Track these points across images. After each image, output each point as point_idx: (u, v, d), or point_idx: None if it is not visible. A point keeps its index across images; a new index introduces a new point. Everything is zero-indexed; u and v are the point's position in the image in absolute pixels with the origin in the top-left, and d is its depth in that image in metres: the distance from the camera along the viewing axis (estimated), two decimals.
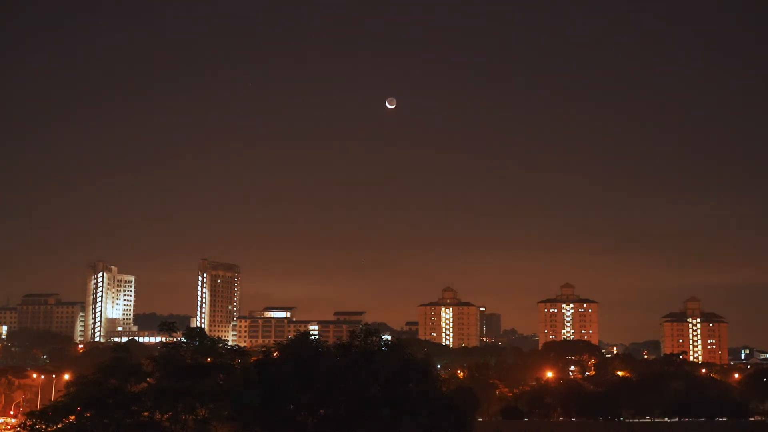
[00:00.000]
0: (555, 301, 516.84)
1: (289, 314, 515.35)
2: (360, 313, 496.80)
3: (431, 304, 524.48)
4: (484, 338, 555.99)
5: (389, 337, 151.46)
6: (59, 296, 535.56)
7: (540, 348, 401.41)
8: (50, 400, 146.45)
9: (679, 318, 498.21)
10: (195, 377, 75.05)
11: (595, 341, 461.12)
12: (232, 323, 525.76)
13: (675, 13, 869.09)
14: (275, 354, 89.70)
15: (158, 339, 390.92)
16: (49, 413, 73.33)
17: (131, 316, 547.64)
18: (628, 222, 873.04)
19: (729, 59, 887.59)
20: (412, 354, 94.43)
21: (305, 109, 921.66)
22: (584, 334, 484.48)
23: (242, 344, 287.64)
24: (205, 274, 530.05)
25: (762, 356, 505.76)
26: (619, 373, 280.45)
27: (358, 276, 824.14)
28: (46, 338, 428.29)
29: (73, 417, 73.10)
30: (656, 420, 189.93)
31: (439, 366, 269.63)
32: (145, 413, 74.19)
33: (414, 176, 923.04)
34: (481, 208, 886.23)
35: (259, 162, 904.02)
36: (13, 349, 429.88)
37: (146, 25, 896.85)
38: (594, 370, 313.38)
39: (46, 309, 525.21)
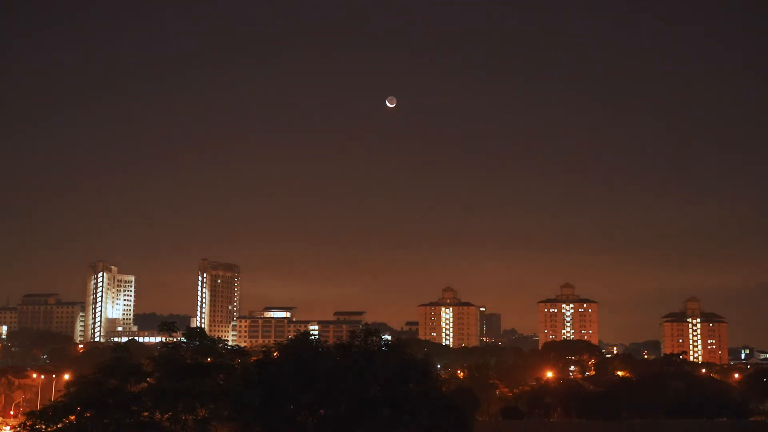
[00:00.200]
0: (555, 301, 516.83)
1: (289, 314, 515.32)
2: (360, 313, 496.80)
3: (431, 304, 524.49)
4: (484, 338, 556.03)
5: (389, 337, 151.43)
6: (59, 296, 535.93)
7: (540, 348, 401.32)
8: (50, 400, 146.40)
9: (679, 318, 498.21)
10: (195, 377, 75.02)
11: (595, 341, 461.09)
12: (232, 323, 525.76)
13: (675, 13, 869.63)
14: (275, 354, 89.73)
15: (158, 339, 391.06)
16: (49, 413, 73.27)
17: (131, 316, 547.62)
18: (628, 222, 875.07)
19: (729, 59, 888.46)
20: (412, 354, 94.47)
21: (305, 109, 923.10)
22: (584, 334, 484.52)
23: (242, 344, 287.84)
24: (205, 274, 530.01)
25: (762, 356, 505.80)
26: (619, 373, 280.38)
27: (358, 276, 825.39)
28: (46, 338, 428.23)
29: (73, 417, 73.06)
30: (656, 420, 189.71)
31: (439, 366, 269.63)
32: (145, 413, 74.16)
33: (414, 176, 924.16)
34: (481, 208, 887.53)
35: (259, 162, 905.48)
36: (13, 349, 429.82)
37: (147, 24, 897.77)
38: (594, 370, 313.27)
39: (46, 309, 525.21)
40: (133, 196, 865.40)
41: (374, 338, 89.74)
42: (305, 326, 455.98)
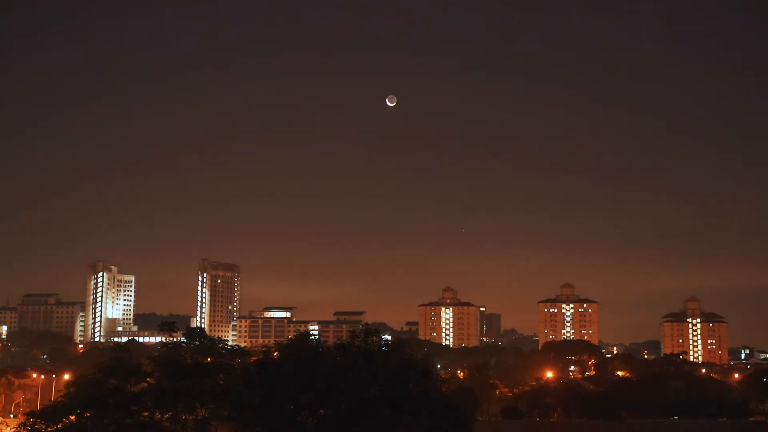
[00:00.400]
0: (555, 301, 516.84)
1: (289, 314, 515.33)
2: (360, 313, 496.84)
3: (431, 304, 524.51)
4: (484, 338, 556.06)
5: (389, 337, 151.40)
6: (59, 296, 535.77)
7: (540, 348, 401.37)
8: (50, 400, 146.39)
9: (679, 318, 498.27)
10: (195, 377, 75.03)
11: (595, 341, 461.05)
12: (232, 323, 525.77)
13: (674, 12, 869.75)
14: (275, 354, 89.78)
15: (158, 339, 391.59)
16: (49, 413, 73.30)
17: (131, 316, 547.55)
18: (628, 222, 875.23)
19: (730, 59, 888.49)
20: (412, 354, 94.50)
21: (305, 109, 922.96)
22: (584, 334, 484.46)
23: (242, 344, 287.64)
24: (205, 274, 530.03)
25: (762, 356, 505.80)
26: (619, 373, 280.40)
27: (358, 276, 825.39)
28: (46, 338, 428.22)
29: (73, 417, 73.07)
30: (656, 420, 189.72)
31: (439, 366, 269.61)
32: (145, 413, 74.17)
33: (414, 176, 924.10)
34: (481, 208, 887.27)
35: (259, 162, 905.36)
36: (13, 349, 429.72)
37: (147, 24, 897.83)
38: (594, 370, 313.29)
39: (46, 309, 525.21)
40: (133, 196, 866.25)
41: (374, 338, 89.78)
42: (305, 326, 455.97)
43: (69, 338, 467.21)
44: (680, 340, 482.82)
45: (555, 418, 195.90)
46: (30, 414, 75.48)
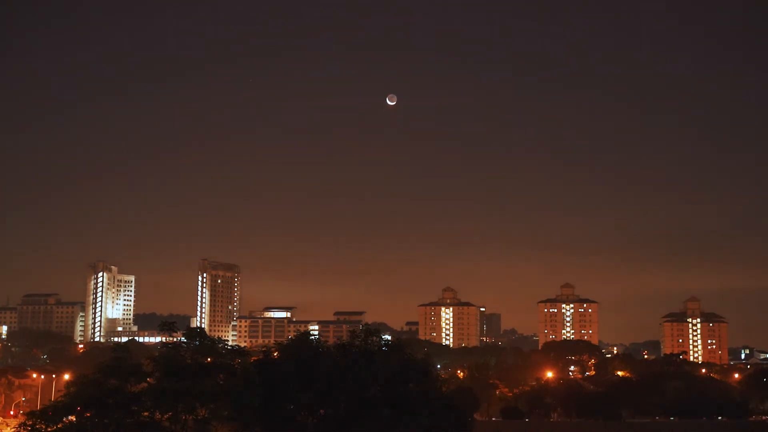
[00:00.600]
0: (555, 301, 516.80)
1: (289, 314, 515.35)
2: (360, 313, 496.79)
3: (431, 304, 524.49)
4: (484, 338, 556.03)
5: (389, 337, 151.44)
6: (59, 296, 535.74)
7: (540, 348, 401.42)
8: (50, 400, 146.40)
9: (679, 318, 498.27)
10: (195, 377, 75.01)
11: (595, 341, 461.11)
12: (232, 323, 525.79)
13: (672, 12, 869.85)
14: (275, 354, 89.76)
15: (158, 339, 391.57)
16: (49, 413, 73.30)
17: (131, 316, 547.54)
18: (628, 222, 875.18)
19: (730, 59, 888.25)
20: (412, 354, 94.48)
21: (305, 107, 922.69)
22: (584, 334, 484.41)
23: (242, 344, 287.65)
24: (205, 274, 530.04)
25: (762, 356, 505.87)
26: (619, 373, 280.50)
27: (358, 276, 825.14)
28: (46, 338, 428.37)
29: (73, 417, 73.09)
30: (656, 420, 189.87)
31: (439, 366, 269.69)
32: (145, 413, 74.16)
33: (414, 175, 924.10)
34: (481, 208, 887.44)
35: (259, 162, 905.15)
36: (13, 349, 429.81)
37: (147, 21, 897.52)
38: (594, 370, 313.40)
39: (46, 309, 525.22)
40: (133, 196, 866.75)
41: (374, 338, 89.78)
42: (305, 326, 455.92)
43: (69, 338, 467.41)
44: (680, 340, 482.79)
45: (555, 418, 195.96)
46: (30, 414, 75.43)
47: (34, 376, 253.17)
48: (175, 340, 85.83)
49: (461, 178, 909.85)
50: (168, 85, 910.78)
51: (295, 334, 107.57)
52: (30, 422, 72.43)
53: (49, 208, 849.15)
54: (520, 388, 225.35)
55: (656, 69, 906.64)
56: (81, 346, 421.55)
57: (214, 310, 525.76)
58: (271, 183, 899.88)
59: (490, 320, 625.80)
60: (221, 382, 76.88)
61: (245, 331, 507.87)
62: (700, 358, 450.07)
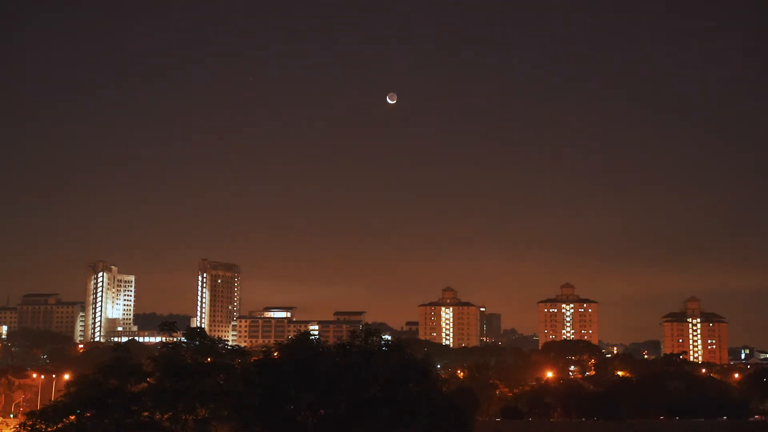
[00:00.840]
0: (555, 301, 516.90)
1: (289, 314, 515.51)
2: (360, 313, 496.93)
3: (431, 304, 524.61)
4: (484, 338, 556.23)
5: (389, 337, 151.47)
6: (59, 296, 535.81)
7: (540, 348, 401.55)
8: (50, 400, 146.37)
9: (679, 318, 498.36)
10: (195, 377, 74.97)
11: (595, 341, 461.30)
12: (232, 323, 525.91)
13: (675, 13, 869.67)
14: (275, 354, 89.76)
15: (158, 339, 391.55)
16: (49, 413, 73.25)
17: (131, 316, 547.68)
18: (628, 222, 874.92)
19: (730, 59, 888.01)
20: (412, 354, 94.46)
21: (305, 108, 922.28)
22: (584, 334, 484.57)
23: (242, 344, 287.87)
24: (205, 274, 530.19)
25: (762, 356, 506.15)
26: (619, 373, 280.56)
27: (358, 276, 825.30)
28: (46, 338, 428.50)
29: (73, 417, 73.01)
30: (656, 420, 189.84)
31: (439, 366, 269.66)
32: (145, 413, 74.13)
33: (414, 175, 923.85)
34: (481, 207, 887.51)
35: (259, 161, 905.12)
36: (13, 349, 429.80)
37: (147, 19, 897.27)
38: (594, 370, 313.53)
39: (46, 309, 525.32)
40: (133, 196, 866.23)
41: (374, 338, 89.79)
42: (305, 326, 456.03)
43: (69, 338, 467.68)
44: (680, 340, 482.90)
45: (555, 418, 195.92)
46: (30, 414, 75.42)
47: (34, 376, 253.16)
48: (175, 340, 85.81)
49: (461, 178, 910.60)
50: (168, 85, 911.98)
51: (295, 334, 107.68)
52: (30, 422, 72.39)
53: (48, 208, 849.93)
54: (520, 388, 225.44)
55: (658, 68, 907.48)
56: (81, 346, 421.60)
57: (214, 310, 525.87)
58: (271, 183, 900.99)
59: (490, 320, 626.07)
60: (221, 382, 76.84)
61: (245, 331, 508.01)
62: (700, 358, 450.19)
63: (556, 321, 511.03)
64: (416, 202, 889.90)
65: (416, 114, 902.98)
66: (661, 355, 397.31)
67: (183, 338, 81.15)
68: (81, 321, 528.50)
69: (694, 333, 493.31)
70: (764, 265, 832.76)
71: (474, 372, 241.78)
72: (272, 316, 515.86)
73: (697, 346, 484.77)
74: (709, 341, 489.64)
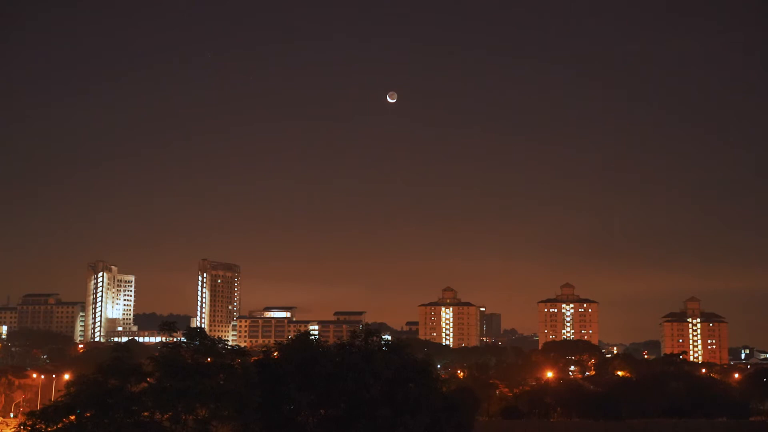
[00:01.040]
0: (555, 301, 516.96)
1: (289, 314, 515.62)
2: (360, 313, 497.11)
3: (431, 304, 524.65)
4: (484, 338, 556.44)
5: (389, 337, 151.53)
6: (59, 296, 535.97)
7: (540, 348, 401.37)
8: (50, 400, 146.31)
9: (679, 318, 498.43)
10: (195, 377, 74.99)
11: (595, 341, 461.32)
12: (232, 323, 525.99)
13: (675, 13, 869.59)
14: (275, 354, 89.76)
15: (158, 339, 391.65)
16: (49, 413, 73.22)
17: (131, 316, 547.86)
18: (628, 222, 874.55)
19: (730, 59, 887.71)
20: (412, 354, 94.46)
21: (305, 108, 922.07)
22: (584, 334, 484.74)
23: (242, 344, 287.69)
24: (205, 274, 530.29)
25: (762, 356, 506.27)
26: (619, 373, 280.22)
27: (358, 276, 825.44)
28: (46, 338, 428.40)
29: (73, 417, 72.98)
30: (656, 420, 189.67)
31: (439, 366, 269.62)
32: (145, 413, 74.12)
33: (414, 175, 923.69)
34: (481, 207, 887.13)
35: (259, 161, 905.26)
36: (13, 349, 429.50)
37: (146, 18, 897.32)
38: (594, 370, 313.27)
39: (46, 309, 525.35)
40: (133, 196, 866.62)
41: (374, 338, 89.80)
42: (305, 326, 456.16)
43: (69, 338, 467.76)
44: (680, 340, 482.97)
45: (555, 418, 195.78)
46: (30, 414, 75.38)
47: (34, 376, 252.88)
48: (175, 340, 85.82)
49: (461, 178, 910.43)
50: (168, 85, 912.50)
51: (295, 334, 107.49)
52: (30, 422, 72.38)
53: (49, 208, 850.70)
54: (520, 388, 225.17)
55: (659, 68, 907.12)
56: (81, 346, 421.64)
57: (214, 310, 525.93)
58: (271, 183, 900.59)
59: (490, 320, 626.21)
60: (221, 382, 76.85)
61: (245, 331, 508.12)
62: (700, 358, 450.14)
63: (556, 321, 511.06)
64: (416, 201, 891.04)
65: (416, 113, 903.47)
66: (661, 355, 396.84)
67: (183, 338, 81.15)
68: (81, 321, 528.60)
69: (694, 333, 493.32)
70: (764, 265, 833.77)
71: (474, 372, 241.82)
72: (272, 316, 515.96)
73: (697, 346, 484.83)
74: (709, 341, 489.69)
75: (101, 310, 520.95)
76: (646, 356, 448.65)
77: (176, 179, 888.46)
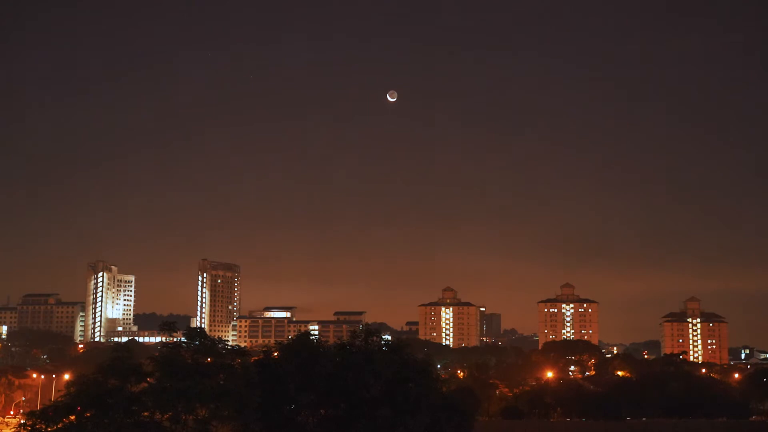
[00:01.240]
0: (555, 301, 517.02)
1: (289, 314, 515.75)
2: (360, 313, 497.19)
3: (431, 304, 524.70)
4: (484, 338, 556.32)
5: (389, 337, 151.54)
6: (59, 296, 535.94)
7: (540, 348, 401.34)
8: (50, 400, 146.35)
9: (679, 318, 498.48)
10: (195, 377, 75.03)
11: (595, 341, 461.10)
12: (232, 323, 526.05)
13: (675, 13, 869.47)
14: (275, 354, 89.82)
15: (158, 339, 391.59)
16: (49, 413, 73.26)
17: (131, 316, 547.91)
18: (628, 222, 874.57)
19: (730, 59, 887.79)
20: (412, 354, 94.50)
21: (305, 105, 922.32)
22: (584, 334, 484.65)
23: (242, 344, 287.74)
24: (205, 274, 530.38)
25: (762, 356, 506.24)
26: (619, 373, 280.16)
27: (358, 276, 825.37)
28: (46, 338, 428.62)
29: (73, 417, 73.01)
30: (656, 420, 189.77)
31: (439, 366, 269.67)
32: (145, 413, 74.15)
33: (414, 174, 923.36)
34: (481, 207, 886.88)
35: (259, 160, 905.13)
36: (13, 349, 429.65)
37: (146, 17, 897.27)
38: (594, 370, 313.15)
39: (46, 309, 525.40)
40: (133, 196, 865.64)
41: (374, 338, 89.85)
42: (305, 326, 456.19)
43: (69, 338, 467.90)
44: (680, 340, 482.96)
45: (555, 418, 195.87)
46: (30, 414, 75.41)
47: (34, 376, 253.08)
48: (175, 340, 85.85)
49: (462, 177, 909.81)
50: (168, 85, 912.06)
51: (295, 334, 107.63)
52: (30, 422, 72.40)
53: (49, 208, 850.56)
54: (520, 388, 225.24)
55: (659, 69, 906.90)
56: (81, 346, 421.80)
57: (214, 310, 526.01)
58: (270, 182, 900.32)
59: (490, 320, 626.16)
60: (221, 382, 76.88)
61: (245, 331, 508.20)
62: (700, 358, 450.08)
63: (556, 321, 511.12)
64: (416, 201, 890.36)
65: (416, 113, 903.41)
66: (661, 355, 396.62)
67: (183, 338, 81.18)
68: (81, 321, 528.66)
69: (694, 333, 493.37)
70: (764, 265, 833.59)
71: (474, 372, 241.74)
72: (272, 316, 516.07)
73: (697, 346, 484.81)
74: (709, 341, 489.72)
75: (101, 310, 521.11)
76: (646, 356, 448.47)
77: (176, 179, 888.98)
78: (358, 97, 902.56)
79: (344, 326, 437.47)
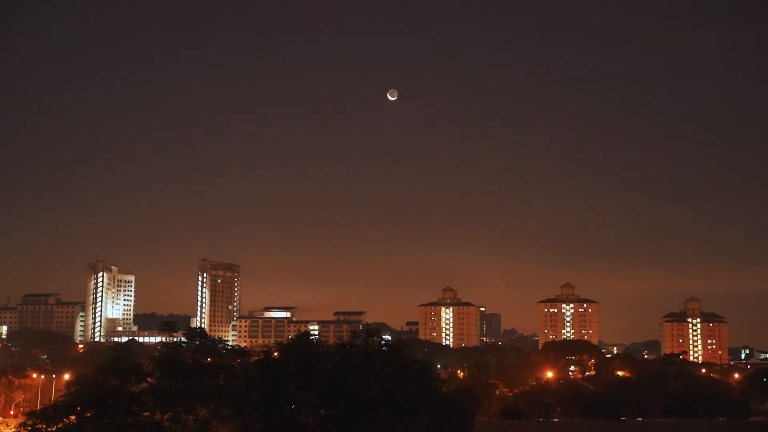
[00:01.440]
0: (555, 301, 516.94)
1: (289, 314, 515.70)
2: (360, 313, 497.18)
3: (431, 304, 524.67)
4: (484, 338, 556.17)
5: (389, 337, 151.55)
6: (59, 296, 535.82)
7: (540, 348, 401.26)
8: (50, 400, 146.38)
9: (679, 318, 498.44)
10: (195, 377, 75.06)
11: (595, 341, 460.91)
12: (232, 323, 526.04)
13: (676, 14, 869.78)
14: (275, 354, 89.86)
15: (158, 339, 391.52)
16: (49, 413, 73.31)
17: (131, 316, 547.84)
18: (628, 222, 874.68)
19: (730, 59, 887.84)
20: (412, 354, 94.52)
21: (305, 104, 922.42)
22: (584, 334, 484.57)
23: (242, 344, 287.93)
24: (205, 274, 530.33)
25: (762, 356, 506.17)
26: (619, 373, 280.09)
27: (358, 276, 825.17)
28: (46, 338, 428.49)
29: (73, 417, 73.05)
30: (656, 420, 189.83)
31: (439, 366, 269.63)
32: (145, 413, 74.20)
33: (414, 174, 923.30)
34: (482, 207, 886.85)
35: (259, 160, 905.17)
36: (13, 349, 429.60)
37: (145, 14, 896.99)
38: (594, 370, 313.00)
39: (46, 309, 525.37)
40: (133, 196, 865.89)
41: (374, 338, 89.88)
42: (305, 326, 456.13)
43: (69, 338, 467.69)
44: (680, 340, 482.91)
45: (555, 418, 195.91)
46: (30, 414, 75.42)
47: (34, 376, 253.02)
48: (175, 340, 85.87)
49: (462, 177, 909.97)
50: (168, 83, 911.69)
51: (295, 334, 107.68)
52: (30, 422, 72.43)
53: (48, 207, 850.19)
54: (520, 388, 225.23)
55: (657, 68, 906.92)
56: (81, 346, 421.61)
57: (214, 310, 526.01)
58: (270, 182, 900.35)
59: (490, 320, 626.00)
60: (221, 382, 76.91)
61: (245, 331, 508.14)
62: (700, 358, 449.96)
63: (556, 321, 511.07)
64: (416, 201, 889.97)
65: (416, 112, 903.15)
66: (661, 355, 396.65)
67: (183, 338, 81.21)
68: (81, 321, 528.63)
69: (694, 333, 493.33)
70: (764, 265, 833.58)
71: (474, 372, 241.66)
72: (272, 316, 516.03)
73: (697, 346, 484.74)
74: (709, 341, 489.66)
75: (101, 310, 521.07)
76: (646, 356, 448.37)
77: (176, 179, 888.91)
78: (358, 97, 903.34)
79: (344, 326, 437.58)
